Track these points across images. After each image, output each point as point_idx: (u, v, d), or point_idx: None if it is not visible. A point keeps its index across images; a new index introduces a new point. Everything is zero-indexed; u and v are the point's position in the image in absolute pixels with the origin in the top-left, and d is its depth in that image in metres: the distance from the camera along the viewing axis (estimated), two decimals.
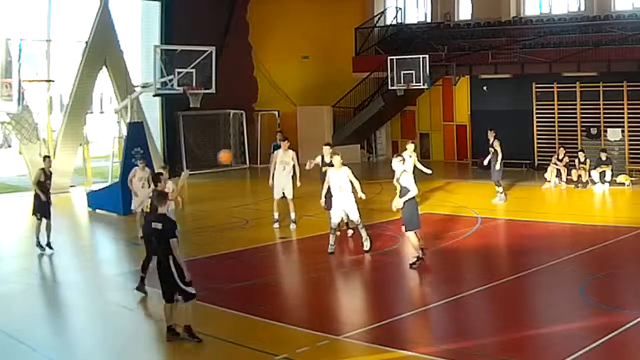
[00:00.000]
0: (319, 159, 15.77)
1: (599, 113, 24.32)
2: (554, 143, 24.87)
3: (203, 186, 23.29)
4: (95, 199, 19.47)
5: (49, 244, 14.43)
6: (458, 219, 17.55)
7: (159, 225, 9.36)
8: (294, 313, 10.34)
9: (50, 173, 14.76)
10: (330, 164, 14.47)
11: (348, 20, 30.94)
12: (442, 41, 27.90)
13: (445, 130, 29.45)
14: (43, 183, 14.49)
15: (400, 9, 32.31)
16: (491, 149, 19.17)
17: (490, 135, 19.27)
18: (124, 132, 19.88)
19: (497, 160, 19.01)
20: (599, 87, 24.16)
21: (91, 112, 28.09)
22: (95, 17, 24.17)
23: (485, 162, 19.78)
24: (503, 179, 19.62)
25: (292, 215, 16.21)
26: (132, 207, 15.37)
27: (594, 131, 24.46)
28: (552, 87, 25.24)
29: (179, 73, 18.82)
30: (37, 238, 14.45)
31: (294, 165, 16.13)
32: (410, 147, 17.92)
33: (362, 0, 32.42)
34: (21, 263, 14.07)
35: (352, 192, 13.79)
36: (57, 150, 23.32)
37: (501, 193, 19.14)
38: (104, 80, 25.07)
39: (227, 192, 19.73)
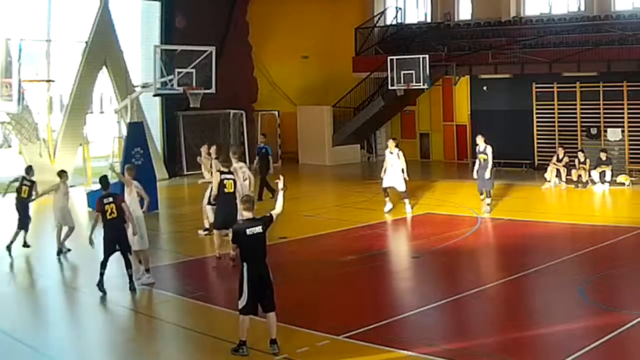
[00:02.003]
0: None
1: (599, 113, 24.32)
2: (554, 143, 24.87)
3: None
4: (95, 199, 19.44)
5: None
6: (458, 219, 17.55)
7: (259, 229, 8.92)
8: (294, 313, 10.33)
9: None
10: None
11: (348, 20, 30.94)
12: (442, 41, 27.88)
13: (445, 130, 29.45)
14: None
15: (400, 9, 32.30)
16: (482, 156, 17.47)
17: (480, 140, 17.60)
18: (124, 132, 19.87)
19: (487, 168, 17.36)
20: (599, 87, 24.17)
21: (91, 112, 28.04)
22: (95, 17, 24.17)
23: (475, 174, 17.95)
24: (505, 179, 19.55)
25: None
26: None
27: (594, 131, 24.47)
28: (552, 87, 25.24)
29: (179, 73, 18.81)
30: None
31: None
32: (391, 142, 18.21)
33: (362, 0, 32.42)
34: (21, 263, 14.07)
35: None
36: (57, 150, 23.32)
37: (488, 205, 17.71)
38: (104, 80, 25.06)
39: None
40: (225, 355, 8.91)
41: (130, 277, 11.57)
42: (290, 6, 29.46)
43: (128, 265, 11.64)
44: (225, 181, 13.26)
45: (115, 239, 11.63)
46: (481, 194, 17.95)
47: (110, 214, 11.66)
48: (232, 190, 13.26)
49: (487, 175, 17.43)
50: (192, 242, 15.66)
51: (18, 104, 14.10)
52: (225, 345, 9.11)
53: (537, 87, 25.58)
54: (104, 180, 12.37)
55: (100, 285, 11.45)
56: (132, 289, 11.56)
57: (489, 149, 17.43)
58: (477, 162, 17.82)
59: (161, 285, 12.21)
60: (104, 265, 11.56)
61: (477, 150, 17.90)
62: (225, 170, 13.42)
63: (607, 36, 24.47)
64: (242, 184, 14.03)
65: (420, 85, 25.52)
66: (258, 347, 8.94)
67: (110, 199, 11.80)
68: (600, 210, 19.37)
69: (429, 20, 31.46)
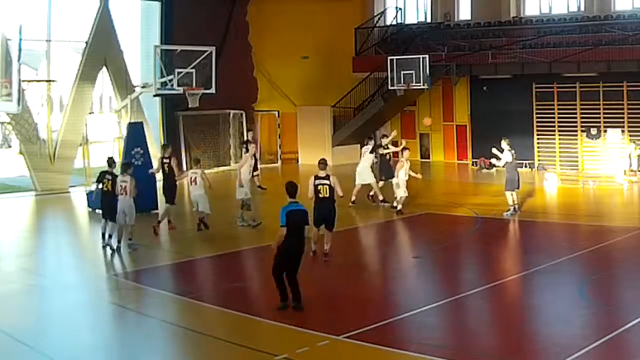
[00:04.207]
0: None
1: (599, 113, 24.34)
2: (554, 143, 24.89)
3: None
4: (95, 199, 19.45)
5: None
6: (458, 219, 17.55)
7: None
8: (294, 313, 10.34)
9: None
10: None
11: (348, 20, 30.94)
12: (442, 41, 27.89)
13: (445, 130, 29.45)
14: None
15: (400, 9, 32.29)
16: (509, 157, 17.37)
17: (505, 143, 17.40)
18: (124, 132, 19.86)
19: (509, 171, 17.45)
20: (599, 87, 24.18)
21: (91, 112, 28.04)
22: (95, 17, 24.15)
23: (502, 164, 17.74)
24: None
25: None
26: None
27: (594, 131, 24.48)
28: (552, 87, 25.25)
29: (179, 73, 18.80)
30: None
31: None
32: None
33: (362, 0, 32.41)
34: (21, 263, 14.07)
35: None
36: (57, 150, 23.30)
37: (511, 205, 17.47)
38: (104, 80, 25.04)
39: (226, 192, 19.71)
40: (224, 354, 8.92)
41: (104, 236, 14.77)
42: (290, 6, 29.44)
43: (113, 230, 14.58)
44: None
45: (106, 208, 14.74)
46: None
47: (105, 187, 14.67)
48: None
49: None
50: (192, 241, 15.66)
51: (18, 104, 14.07)
52: (225, 345, 9.14)
53: (537, 87, 25.58)
54: (110, 159, 15.23)
55: (104, 243, 14.61)
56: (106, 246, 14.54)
57: (503, 156, 17.34)
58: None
59: (161, 285, 12.22)
60: (103, 226, 14.80)
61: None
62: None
63: (607, 36, 24.47)
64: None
65: (420, 85, 25.50)
66: (258, 347, 8.96)
67: (109, 177, 14.64)
68: (600, 210, 19.36)
69: (429, 20, 31.44)
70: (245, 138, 23.45)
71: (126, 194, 14.28)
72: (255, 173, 20.04)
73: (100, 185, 14.97)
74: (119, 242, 14.50)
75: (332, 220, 13.37)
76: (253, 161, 17.49)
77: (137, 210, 14.82)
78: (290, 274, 10.45)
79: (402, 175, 17.67)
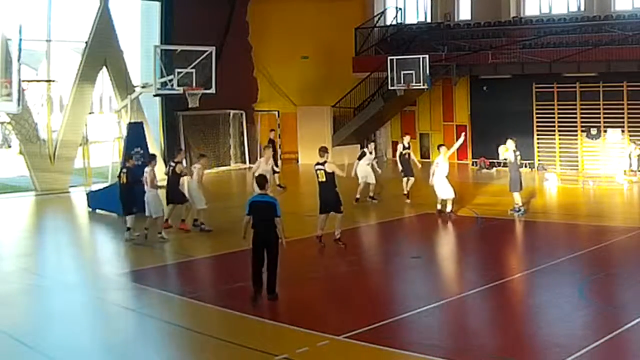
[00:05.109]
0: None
1: (599, 113, 24.34)
2: (554, 143, 24.87)
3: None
4: (95, 199, 19.45)
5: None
6: (458, 219, 17.54)
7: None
8: (294, 313, 10.34)
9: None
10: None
11: (348, 20, 30.95)
12: (442, 41, 27.91)
13: (445, 130, 29.44)
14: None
15: (400, 9, 32.33)
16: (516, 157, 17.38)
17: (512, 143, 17.33)
18: (124, 132, 19.87)
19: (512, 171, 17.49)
20: (599, 87, 24.19)
21: (91, 112, 28.04)
22: (95, 17, 24.17)
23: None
24: (504, 179, 19.52)
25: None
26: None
27: (594, 131, 24.47)
28: (552, 87, 25.25)
29: (179, 73, 18.80)
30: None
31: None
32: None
33: (362, 0, 32.44)
34: (21, 263, 14.07)
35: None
36: (57, 150, 23.30)
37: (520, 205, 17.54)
38: (104, 80, 25.06)
39: (226, 192, 19.74)
40: (224, 354, 8.91)
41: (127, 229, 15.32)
42: (290, 6, 29.47)
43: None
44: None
45: (127, 201, 15.35)
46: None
47: (121, 181, 15.49)
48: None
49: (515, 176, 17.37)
50: (192, 241, 15.66)
51: (18, 104, 14.06)
52: (225, 345, 9.13)
53: (537, 87, 25.58)
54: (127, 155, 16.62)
55: (127, 239, 15.13)
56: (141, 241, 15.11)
57: (506, 154, 17.35)
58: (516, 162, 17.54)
59: (161, 285, 12.23)
60: (125, 221, 15.34)
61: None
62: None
63: (607, 36, 24.49)
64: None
65: (420, 85, 25.53)
66: (258, 347, 8.95)
67: (125, 170, 15.54)
68: (600, 210, 19.36)
69: (429, 20, 31.49)
70: (269, 137, 23.95)
71: (147, 184, 15.06)
72: (277, 169, 21.15)
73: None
74: (130, 230, 15.16)
75: (335, 204, 14.11)
76: (269, 165, 17.35)
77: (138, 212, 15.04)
78: (266, 262, 10.76)
79: (437, 177, 17.45)
